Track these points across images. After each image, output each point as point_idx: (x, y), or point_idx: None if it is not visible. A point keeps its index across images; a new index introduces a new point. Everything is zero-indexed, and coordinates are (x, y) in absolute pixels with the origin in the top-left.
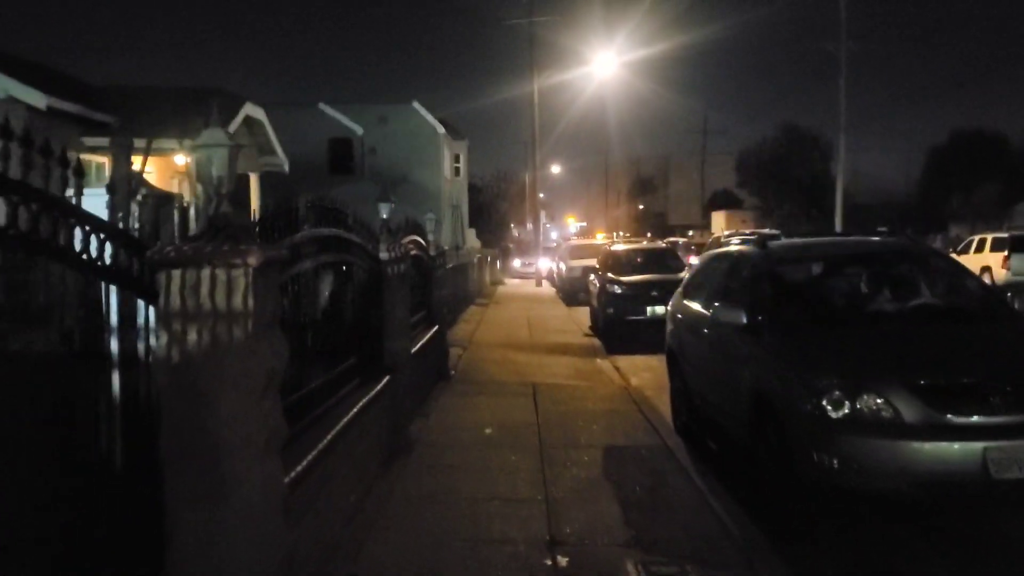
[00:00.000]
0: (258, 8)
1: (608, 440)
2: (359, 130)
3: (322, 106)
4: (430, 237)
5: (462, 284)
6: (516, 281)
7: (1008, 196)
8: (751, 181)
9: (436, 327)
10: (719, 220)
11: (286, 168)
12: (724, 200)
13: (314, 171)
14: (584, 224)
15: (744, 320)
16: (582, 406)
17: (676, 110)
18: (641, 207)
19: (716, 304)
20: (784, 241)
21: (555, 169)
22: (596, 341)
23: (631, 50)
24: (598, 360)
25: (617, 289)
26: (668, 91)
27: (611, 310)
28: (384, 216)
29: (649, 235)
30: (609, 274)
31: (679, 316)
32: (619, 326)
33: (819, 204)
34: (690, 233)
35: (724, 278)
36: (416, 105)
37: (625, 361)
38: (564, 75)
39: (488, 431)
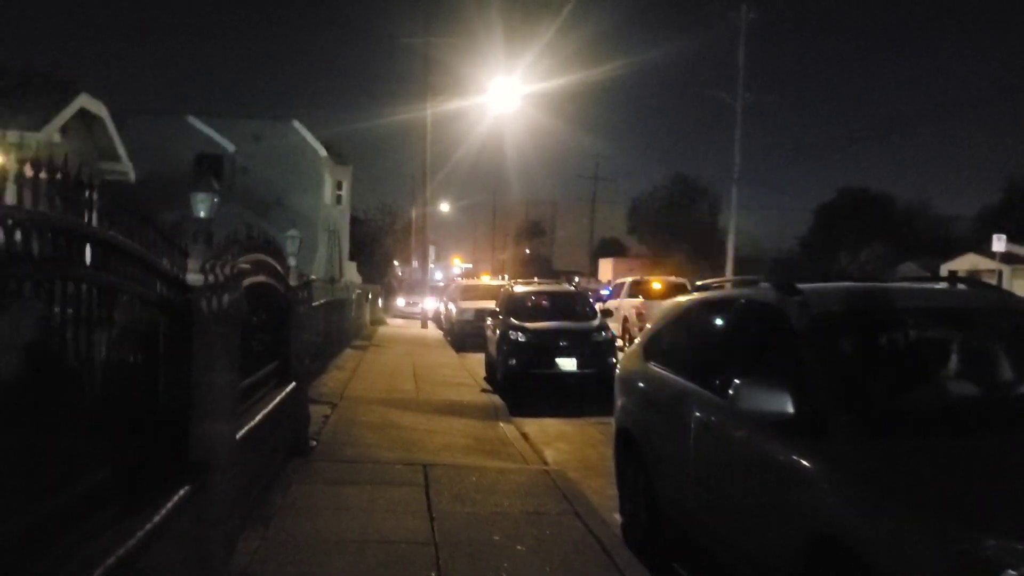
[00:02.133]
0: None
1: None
2: (231, 147)
3: (190, 118)
4: (291, 261)
5: (337, 323)
6: (400, 321)
7: (894, 256)
8: (642, 228)
9: (293, 384)
10: (607, 267)
11: (131, 176)
12: (612, 247)
13: (177, 188)
14: (470, 265)
15: (790, 410)
16: (494, 504)
17: (568, 150)
18: (528, 251)
19: (720, 378)
20: (821, 286)
21: (443, 207)
22: (496, 398)
23: (529, 82)
24: (501, 424)
25: (521, 337)
26: (562, 127)
27: (513, 361)
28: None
29: (536, 278)
30: (511, 319)
31: (640, 386)
32: (522, 380)
33: (706, 255)
34: (576, 279)
35: (725, 337)
36: (296, 124)
37: (533, 425)
38: (458, 102)
39: (356, 558)
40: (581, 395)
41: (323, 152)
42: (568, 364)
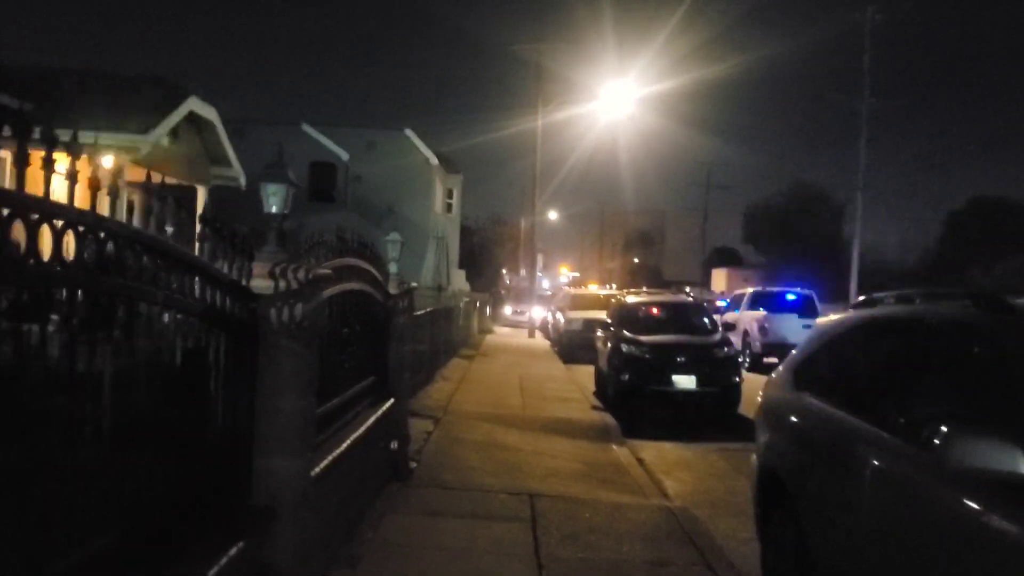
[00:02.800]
0: (242, 12)
1: None
2: (344, 155)
3: (305, 127)
4: (392, 268)
5: (444, 332)
6: (507, 330)
7: None
8: (758, 237)
9: (392, 401)
10: (720, 277)
11: (243, 182)
12: (725, 257)
13: (293, 197)
14: (577, 274)
15: None
16: (610, 549)
17: (681, 158)
18: (636, 260)
19: (904, 417)
20: None
21: (552, 215)
22: (607, 417)
23: (641, 86)
24: (614, 447)
25: (636, 351)
26: (675, 132)
27: (626, 377)
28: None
29: (645, 288)
30: (624, 331)
31: (791, 420)
32: (636, 398)
33: (828, 265)
34: (687, 290)
35: (909, 366)
36: (408, 132)
37: (650, 450)
38: (569, 110)
39: None
40: (701, 416)
41: (434, 160)
42: (687, 382)
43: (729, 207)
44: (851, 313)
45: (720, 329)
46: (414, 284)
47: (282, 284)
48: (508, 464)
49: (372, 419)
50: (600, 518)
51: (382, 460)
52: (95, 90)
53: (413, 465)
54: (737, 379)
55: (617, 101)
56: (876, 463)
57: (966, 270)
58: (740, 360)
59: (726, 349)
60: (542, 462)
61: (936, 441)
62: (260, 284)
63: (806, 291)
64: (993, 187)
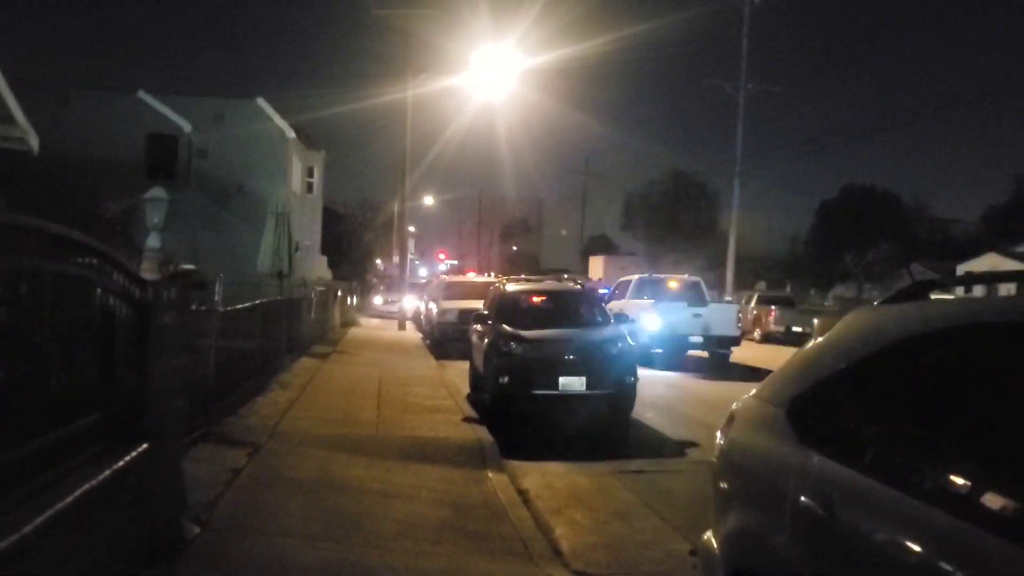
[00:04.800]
0: None
1: None
2: (187, 126)
3: (142, 95)
4: (153, 242)
5: (286, 328)
6: (375, 322)
7: (901, 257)
8: (636, 224)
9: (146, 445)
10: (597, 264)
11: (34, 145)
12: (602, 245)
13: (127, 172)
14: (456, 262)
15: None
16: None
17: (560, 144)
18: (515, 248)
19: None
20: None
21: (427, 200)
22: (483, 432)
23: (518, 61)
24: (490, 475)
25: (515, 348)
26: (554, 118)
27: (505, 379)
28: None
29: (524, 275)
30: (503, 325)
31: (804, 505)
32: (517, 404)
33: (705, 253)
34: (565, 277)
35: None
36: (261, 102)
37: (535, 475)
38: (442, 82)
39: None
40: (594, 425)
41: (291, 134)
42: (576, 384)
43: (608, 194)
44: (899, 312)
45: (612, 321)
46: (190, 266)
47: None
48: (343, 518)
49: (99, 478)
50: None
51: (129, 535)
52: None
53: (195, 531)
54: (632, 379)
55: (493, 75)
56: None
57: (840, 257)
58: (636, 356)
59: (620, 344)
60: (393, 510)
61: None
62: None
63: (693, 278)
64: (865, 175)
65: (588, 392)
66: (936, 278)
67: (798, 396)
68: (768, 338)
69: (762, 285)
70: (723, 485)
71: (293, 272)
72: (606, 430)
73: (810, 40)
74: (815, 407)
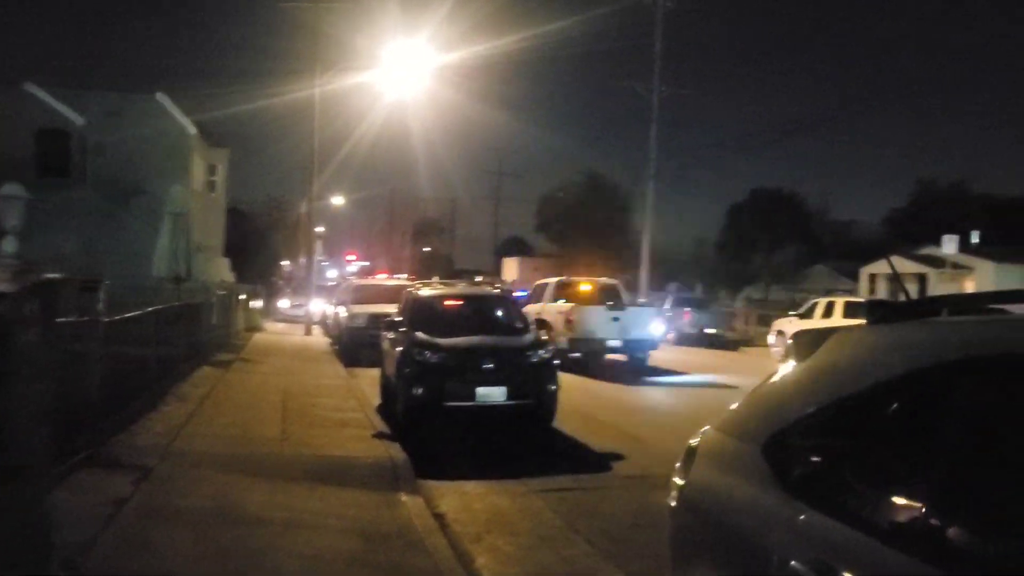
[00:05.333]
0: None
1: None
2: (80, 121)
3: (30, 87)
4: (7, 245)
5: (184, 335)
6: (281, 326)
7: (806, 259)
8: (551, 226)
9: None
10: (511, 266)
11: None
12: (516, 246)
13: (15, 169)
14: (366, 263)
15: None
16: None
17: (474, 139)
18: (428, 249)
19: None
20: None
21: (336, 200)
22: (395, 449)
23: (430, 57)
24: (404, 498)
25: (430, 357)
26: (468, 111)
27: (420, 390)
28: None
29: (438, 278)
30: (417, 332)
31: None
32: (432, 416)
33: (618, 255)
34: (478, 279)
35: None
36: (160, 98)
37: (453, 496)
38: (351, 78)
39: None
40: (514, 438)
41: (192, 130)
42: (494, 394)
43: (523, 195)
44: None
45: (532, 327)
46: (54, 275)
47: None
48: (242, 555)
49: None
50: None
51: None
52: None
53: None
54: (554, 387)
55: (404, 72)
56: None
57: (750, 259)
58: (557, 364)
59: (541, 352)
60: (298, 544)
61: None
62: None
63: (612, 281)
64: (771, 179)
65: (508, 403)
66: (936, 299)
67: (779, 432)
68: (682, 340)
69: (673, 287)
70: (684, 534)
71: (192, 275)
72: (527, 443)
73: (724, 44)
74: (801, 449)
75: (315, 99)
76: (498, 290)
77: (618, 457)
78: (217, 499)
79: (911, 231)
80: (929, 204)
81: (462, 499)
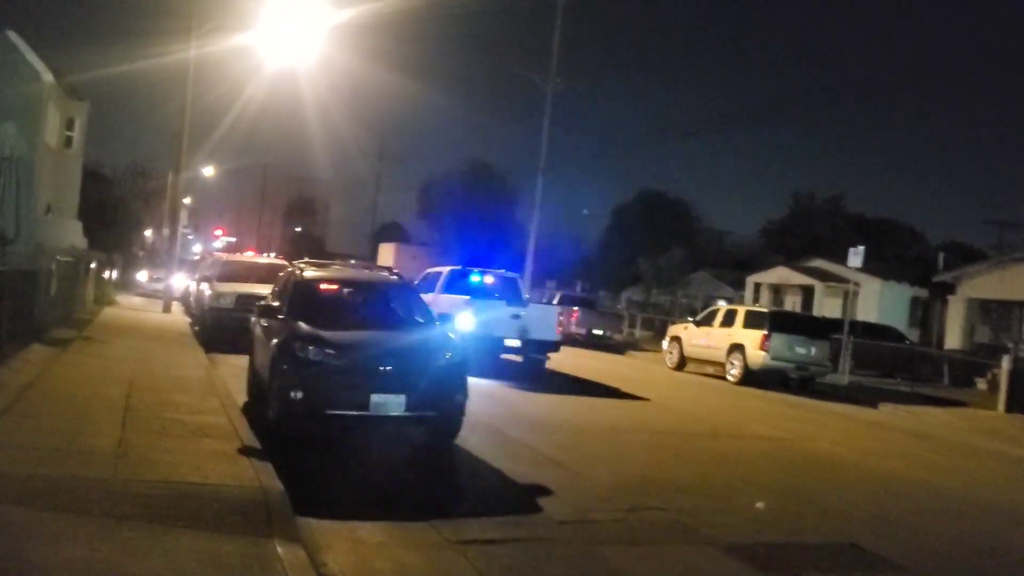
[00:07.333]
0: None
1: None
2: None
3: None
4: None
5: (8, 307)
6: (137, 301)
7: (687, 265)
8: (433, 214)
9: None
10: (387, 252)
11: None
12: (393, 232)
13: None
14: (233, 239)
15: None
16: None
17: (354, 124)
18: (299, 229)
19: None
20: None
21: (207, 171)
22: (267, 472)
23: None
24: (279, 549)
25: (315, 354)
26: (349, 94)
27: (299, 395)
28: None
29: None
30: (299, 323)
31: None
32: (313, 426)
33: (503, 250)
34: (352, 262)
35: None
36: (12, 36)
37: (342, 544)
38: (229, 45)
39: None
40: (413, 460)
41: (49, 77)
42: (392, 403)
43: (404, 181)
44: None
45: (437, 321)
46: None
47: None
48: None
49: None
50: None
51: None
52: None
53: None
54: (462, 397)
55: (286, 38)
56: None
57: (633, 261)
58: (467, 367)
59: (449, 353)
60: None
61: None
62: None
63: (511, 274)
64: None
65: (406, 414)
66: None
67: None
68: (568, 341)
69: (552, 284)
70: None
71: (30, 236)
72: (428, 466)
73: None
74: None
75: (190, 61)
76: (397, 276)
77: (545, 491)
78: (12, 558)
79: (787, 244)
80: (804, 219)
81: (356, 552)
